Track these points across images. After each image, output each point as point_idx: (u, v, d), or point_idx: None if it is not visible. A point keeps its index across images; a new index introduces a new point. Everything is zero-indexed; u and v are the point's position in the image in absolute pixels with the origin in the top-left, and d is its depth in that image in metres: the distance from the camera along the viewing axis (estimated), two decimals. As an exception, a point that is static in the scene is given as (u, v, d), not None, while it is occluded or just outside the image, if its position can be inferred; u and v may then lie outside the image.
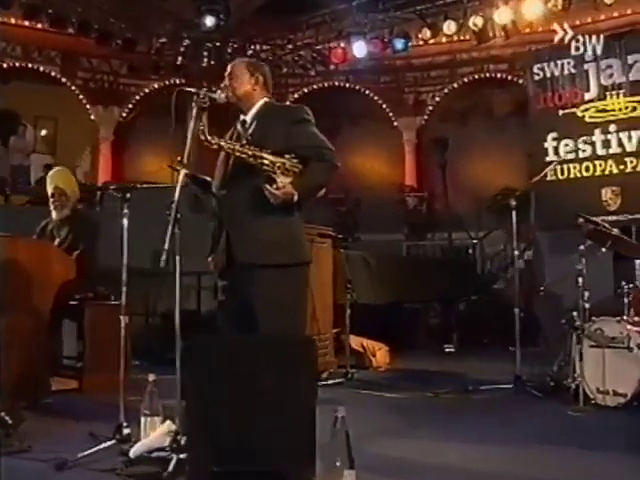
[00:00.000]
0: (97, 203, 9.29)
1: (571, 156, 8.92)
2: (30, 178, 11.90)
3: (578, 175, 8.90)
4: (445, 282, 8.64)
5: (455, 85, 12.31)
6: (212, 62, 10.52)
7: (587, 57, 8.75)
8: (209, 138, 3.31)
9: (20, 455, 3.48)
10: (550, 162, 9.09)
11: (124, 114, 12.01)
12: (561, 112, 9.01)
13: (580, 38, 8.32)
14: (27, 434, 3.74)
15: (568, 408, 4.62)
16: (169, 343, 7.49)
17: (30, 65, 11.37)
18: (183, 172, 3.48)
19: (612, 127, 8.58)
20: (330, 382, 5.76)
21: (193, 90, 3.55)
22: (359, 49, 10.30)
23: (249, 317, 3.22)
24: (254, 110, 3.49)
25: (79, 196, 6.12)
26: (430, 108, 12.60)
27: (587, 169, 8.84)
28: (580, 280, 5.07)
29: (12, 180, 11.34)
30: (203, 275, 8.10)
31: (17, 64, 11.25)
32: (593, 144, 8.74)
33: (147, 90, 11.92)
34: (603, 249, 5.08)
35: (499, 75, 11.97)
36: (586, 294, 5.10)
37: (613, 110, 8.60)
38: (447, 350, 8.26)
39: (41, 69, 11.44)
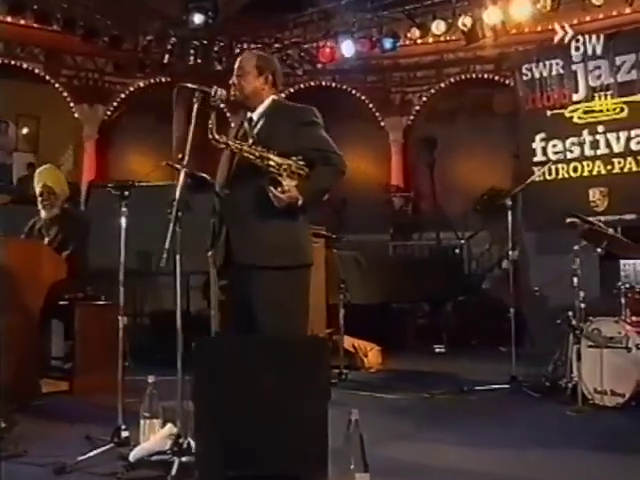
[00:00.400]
0: (81, 202, 9.18)
1: (559, 157, 8.97)
2: (12, 177, 11.74)
3: (566, 176, 8.94)
4: (434, 282, 8.63)
5: (442, 85, 12.30)
6: (199, 60, 10.43)
7: (575, 58, 8.80)
8: (217, 137, 3.25)
9: (16, 460, 3.41)
10: (538, 162, 9.17)
11: (109, 112, 11.86)
12: (549, 113, 9.05)
13: (580, 38, 8.33)
14: (21, 438, 3.65)
15: (566, 408, 4.62)
16: (158, 343, 7.40)
17: (13, 62, 11.18)
18: (184, 170, 3.42)
19: (600, 128, 8.63)
20: (324, 383, 5.70)
21: (194, 86, 3.48)
22: (347, 48, 10.26)
23: (249, 318, 3.17)
24: (261, 108, 3.42)
25: (68, 194, 6.03)
26: (417, 108, 12.58)
27: (575, 170, 8.88)
28: (575, 280, 5.06)
29: (-6, 179, 11.19)
30: (192, 275, 8.02)
31: (-1, 61, 11.10)
32: (581, 145, 8.79)
33: (132, 88, 11.78)
34: (599, 249, 5.06)
35: (485, 76, 11.97)
36: (581, 294, 5.10)
37: (601, 111, 8.64)
38: (437, 350, 8.23)
39: (24, 66, 11.26)
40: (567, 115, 8.88)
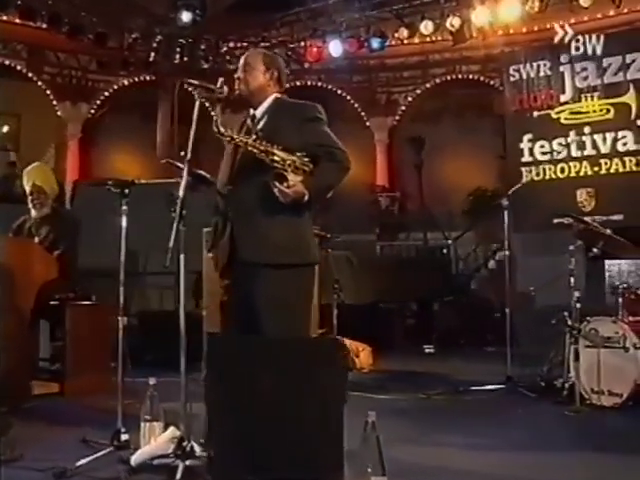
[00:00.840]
0: (66, 201, 9.06)
1: (546, 157, 9.01)
2: (-7, 175, 11.55)
3: (553, 176, 8.98)
4: (423, 282, 8.61)
5: (427, 86, 12.31)
6: (185, 59, 10.33)
7: (562, 59, 8.85)
8: (222, 130, 3.19)
9: (13, 464, 3.31)
10: (526, 163, 9.21)
11: (92, 111, 11.72)
12: (536, 114, 9.08)
13: (580, 38, 8.35)
14: (17, 441, 3.56)
15: (563, 408, 4.61)
16: (146, 344, 7.29)
17: (-5, 59, 11.02)
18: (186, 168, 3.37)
19: (587, 129, 8.68)
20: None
21: (197, 82, 3.42)
22: (335, 48, 10.22)
23: (252, 316, 3.12)
24: (265, 105, 3.37)
25: (57, 193, 5.93)
26: (402, 108, 12.59)
27: (562, 170, 8.92)
28: (572, 280, 5.07)
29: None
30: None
31: (-19, 57, 10.91)
32: (568, 146, 8.83)
33: (116, 87, 11.66)
34: (595, 249, 5.06)
35: (471, 76, 12.01)
36: (576, 294, 5.10)
37: (588, 112, 8.69)
38: (427, 351, 8.21)
39: (6, 63, 11.08)
40: (554, 116, 8.92)
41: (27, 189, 5.62)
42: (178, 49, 10.08)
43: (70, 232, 5.54)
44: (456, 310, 9.42)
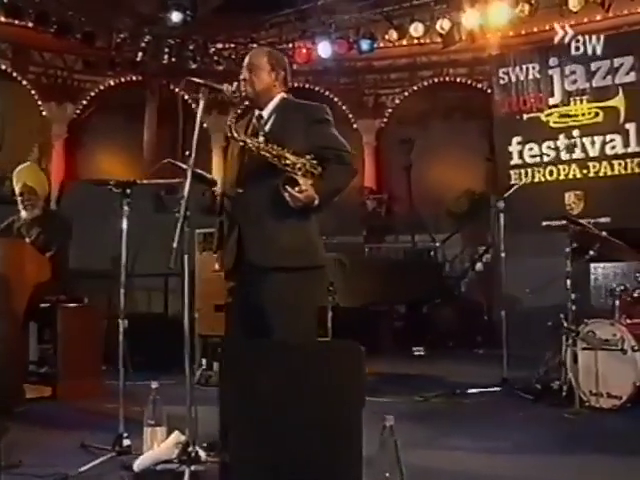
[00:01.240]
0: (52, 201, 8.96)
1: (535, 160, 9.05)
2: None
3: (542, 179, 9.02)
4: (414, 285, 8.60)
5: (415, 88, 12.32)
6: (173, 59, 10.25)
7: (552, 62, 8.90)
8: (235, 134, 3.15)
9: (12, 471, 3.24)
10: (515, 166, 9.24)
11: (78, 111, 11.58)
12: (526, 116, 9.13)
13: (580, 38, 8.38)
14: (15, 447, 3.49)
15: (562, 411, 4.61)
16: (135, 347, 7.21)
17: (-22, 58, 10.86)
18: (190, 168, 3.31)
19: (576, 132, 8.72)
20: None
21: (202, 81, 3.37)
22: (324, 49, 10.19)
23: (260, 320, 3.09)
24: (271, 105, 3.33)
25: (47, 194, 5.86)
26: (390, 111, 12.58)
27: (551, 173, 8.97)
28: (568, 282, 5.08)
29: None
30: (170, 276, 7.86)
31: (-37, 56, 10.75)
32: (557, 149, 8.88)
33: (102, 87, 11.53)
34: (591, 251, 5.07)
35: (459, 79, 12.02)
36: (572, 296, 5.12)
37: (576, 115, 8.74)
38: (417, 353, 8.21)
39: (-10, 62, 10.94)
40: (543, 119, 8.97)
41: (17, 190, 5.54)
42: (166, 49, 9.99)
43: (62, 233, 5.47)
44: (445, 312, 9.43)
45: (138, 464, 3.20)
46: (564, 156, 8.82)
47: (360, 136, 12.64)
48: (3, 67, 11.07)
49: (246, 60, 3.37)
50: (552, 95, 8.90)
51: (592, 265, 7.98)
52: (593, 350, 4.68)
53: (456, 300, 9.86)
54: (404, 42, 10.59)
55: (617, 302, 4.83)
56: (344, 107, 12.60)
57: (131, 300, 8.40)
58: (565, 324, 4.99)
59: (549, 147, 8.94)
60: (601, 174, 8.62)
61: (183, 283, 3.30)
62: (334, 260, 7.10)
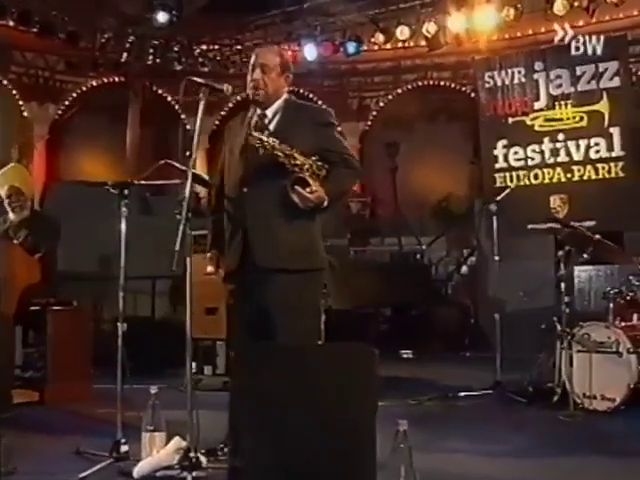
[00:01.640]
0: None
1: (520, 164, 9.10)
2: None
3: (527, 182, 9.07)
4: (402, 287, 8.59)
5: (399, 91, 12.32)
6: (157, 60, 10.15)
7: (537, 67, 8.95)
8: (254, 133, 3.13)
9: (8, 478, 3.16)
10: (500, 169, 9.28)
11: (60, 111, 11.42)
12: (511, 120, 9.17)
13: (580, 38, 8.42)
14: (10, 453, 3.40)
15: (556, 413, 4.63)
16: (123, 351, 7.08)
17: (-43, 57, 10.65)
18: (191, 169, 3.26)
19: (561, 136, 8.78)
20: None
21: (202, 81, 3.33)
22: (310, 52, 10.15)
23: (265, 321, 3.06)
24: (275, 106, 3.31)
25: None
26: (374, 113, 12.57)
27: (536, 177, 9.01)
28: (562, 285, 5.08)
29: None
30: (158, 279, 7.78)
31: (-58, 55, 10.54)
32: (542, 152, 8.93)
33: (85, 88, 11.37)
34: (585, 254, 5.08)
35: (442, 83, 12.05)
36: (566, 299, 5.12)
37: (561, 119, 8.80)
38: (405, 356, 8.20)
39: (-30, 61, 10.74)
40: (528, 123, 9.03)
41: (3, 192, 5.44)
42: (151, 50, 9.89)
43: (50, 234, 5.38)
44: (432, 315, 9.43)
45: (138, 470, 3.14)
46: (549, 160, 8.87)
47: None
48: (-17, 67, 10.89)
49: (259, 60, 3.28)
50: (537, 99, 8.96)
51: (576, 268, 8.02)
52: (588, 353, 4.69)
53: (443, 303, 9.87)
54: (388, 46, 10.59)
55: (611, 305, 4.84)
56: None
57: (117, 303, 8.30)
58: (559, 327, 5.00)
59: (534, 151, 9.00)
60: (585, 178, 8.69)
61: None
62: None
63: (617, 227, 7.56)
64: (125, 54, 9.72)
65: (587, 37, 8.34)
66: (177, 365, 6.48)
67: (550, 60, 8.86)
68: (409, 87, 12.27)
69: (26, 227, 5.32)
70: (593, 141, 8.61)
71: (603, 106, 8.53)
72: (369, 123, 12.63)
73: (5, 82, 11.08)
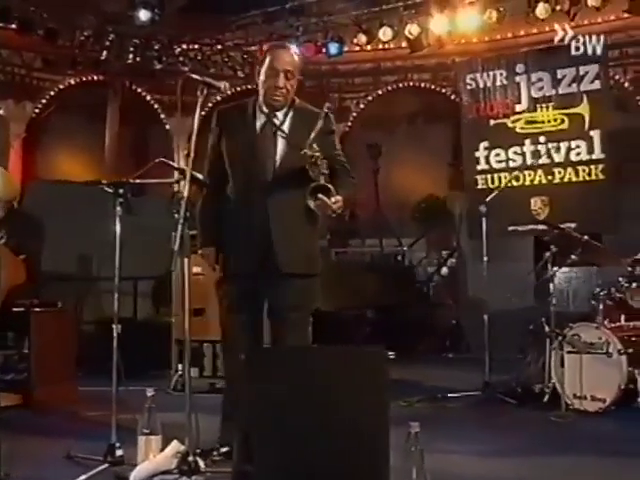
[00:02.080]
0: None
1: (502, 165, 9.13)
2: None
3: (508, 184, 9.10)
4: (385, 289, 8.60)
5: (379, 92, 12.33)
6: (137, 59, 10.03)
7: (518, 69, 9.00)
8: (307, 152, 3.13)
9: (1, 484, 3.09)
10: (481, 171, 9.32)
11: (37, 110, 11.23)
12: (492, 122, 9.20)
13: (580, 38, 8.45)
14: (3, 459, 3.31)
15: (547, 414, 4.65)
16: (103, 352, 7.02)
17: None
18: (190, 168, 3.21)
19: (542, 138, 8.82)
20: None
21: (200, 78, 3.28)
22: (291, 52, 10.11)
23: (274, 323, 3.09)
24: (285, 108, 3.35)
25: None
26: (354, 115, 12.56)
27: (517, 179, 9.04)
28: (551, 286, 5.11)
29: None
30: (140, 280, 7.69)
31: None
32: (523, 154, 8.97)
33: (62, 86, 11.20)
34: (573, 256, 5.10)
35: (423, 84, 12.09)
36: (554, 300, 5.15)
37: (543, 122, 8.84)
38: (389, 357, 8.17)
39: (-56, 58, 10.53)
40: (510, 125, 9.05)
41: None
42: (131, 49, 9.78)
43: (35, 235, 5.28)
44: (414, 316, 9.45)
45: (135, 475, 3.08)
46: (530, 162, 8.91)
47: (324, 140, 12.61)
48: (-43, 64, 10.67)
49: (283, 66, 3.29)
50: (519, 101, 8.98)
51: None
52: (578, 354, 4.71)
53: (425, 304, 9.90)
54: (369, 47, 10.60)
55: (601, 306, 4.87)
56: (308, 110, 12.54)
57: (98, 304, 8.20)
58: (547, 328, 5.03)
59: (515, 153, 9.03)
60: (566, 180, 8.73)
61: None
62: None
63: (596, 229, 7.60)
64: (105, 52, 9.59)
65: (587, 37, 8.34)
66: (161, 367, 6.44)
67: (531, 63, 8.90)
68: (389, 88, 12.29)
69: (5, 227, 5.18)
70: (574, 144, 8.64)
71: (584, 109, 8.58)
72: (349, 124, 12.61)
73: (-21, 80, 10.91)
